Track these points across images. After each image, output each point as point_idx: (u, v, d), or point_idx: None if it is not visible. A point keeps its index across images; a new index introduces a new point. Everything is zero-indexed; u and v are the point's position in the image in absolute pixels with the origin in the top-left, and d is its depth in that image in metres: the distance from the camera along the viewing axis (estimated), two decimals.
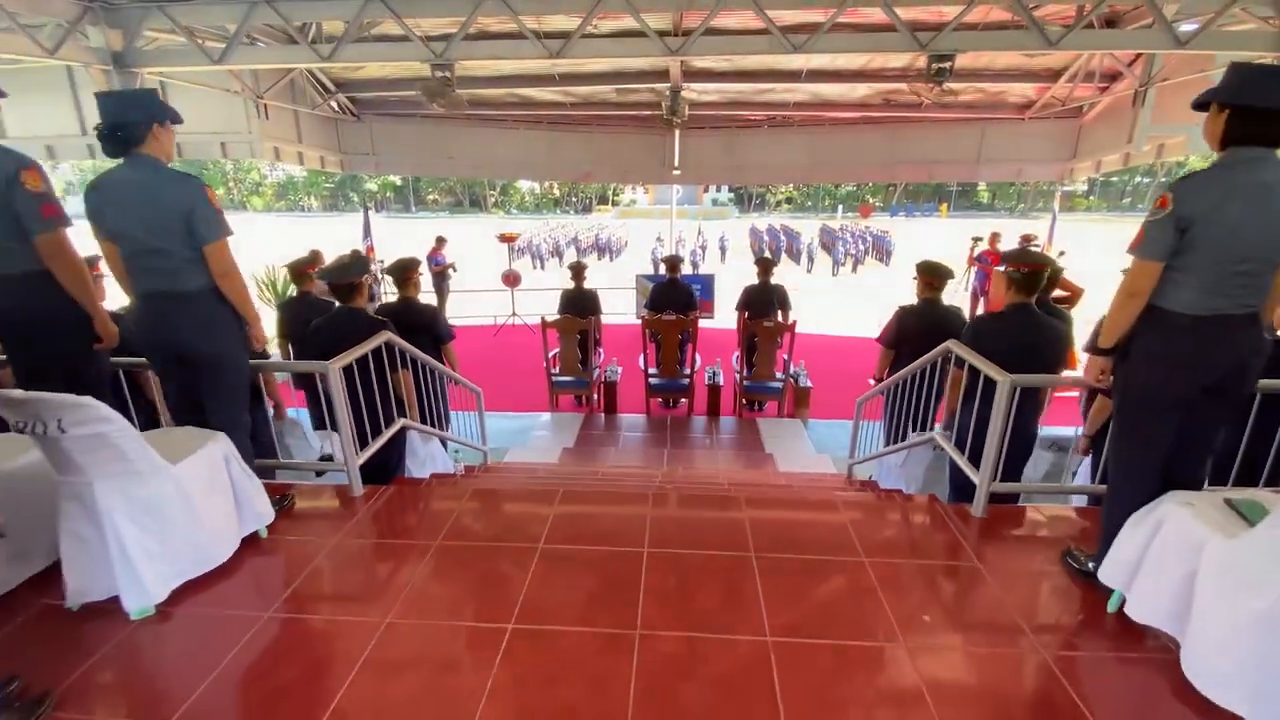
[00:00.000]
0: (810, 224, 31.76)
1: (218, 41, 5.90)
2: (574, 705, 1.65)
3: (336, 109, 9.23)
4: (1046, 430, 3.66)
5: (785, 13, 5.52)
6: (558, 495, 2.83)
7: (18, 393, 1.72)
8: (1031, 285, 2.82)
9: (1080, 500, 3.04)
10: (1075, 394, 4.09)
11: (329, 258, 4.45)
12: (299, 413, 4.07)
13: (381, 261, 7.82)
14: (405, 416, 3.27)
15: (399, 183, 54.51)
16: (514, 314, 10.54)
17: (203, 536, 2.11)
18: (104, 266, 2.44)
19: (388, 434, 3.01)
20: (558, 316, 6.09)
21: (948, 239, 19.64)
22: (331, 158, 9.53)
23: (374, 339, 2.88)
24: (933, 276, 3.78)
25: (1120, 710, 1.68)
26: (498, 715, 1.62)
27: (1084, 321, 3.07)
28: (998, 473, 2.56)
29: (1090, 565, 2.11)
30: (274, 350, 3.98)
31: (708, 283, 10.30)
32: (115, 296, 2.59)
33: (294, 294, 4.51)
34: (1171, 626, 1.84)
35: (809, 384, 6.39)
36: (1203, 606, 1.72)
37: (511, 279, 10.59)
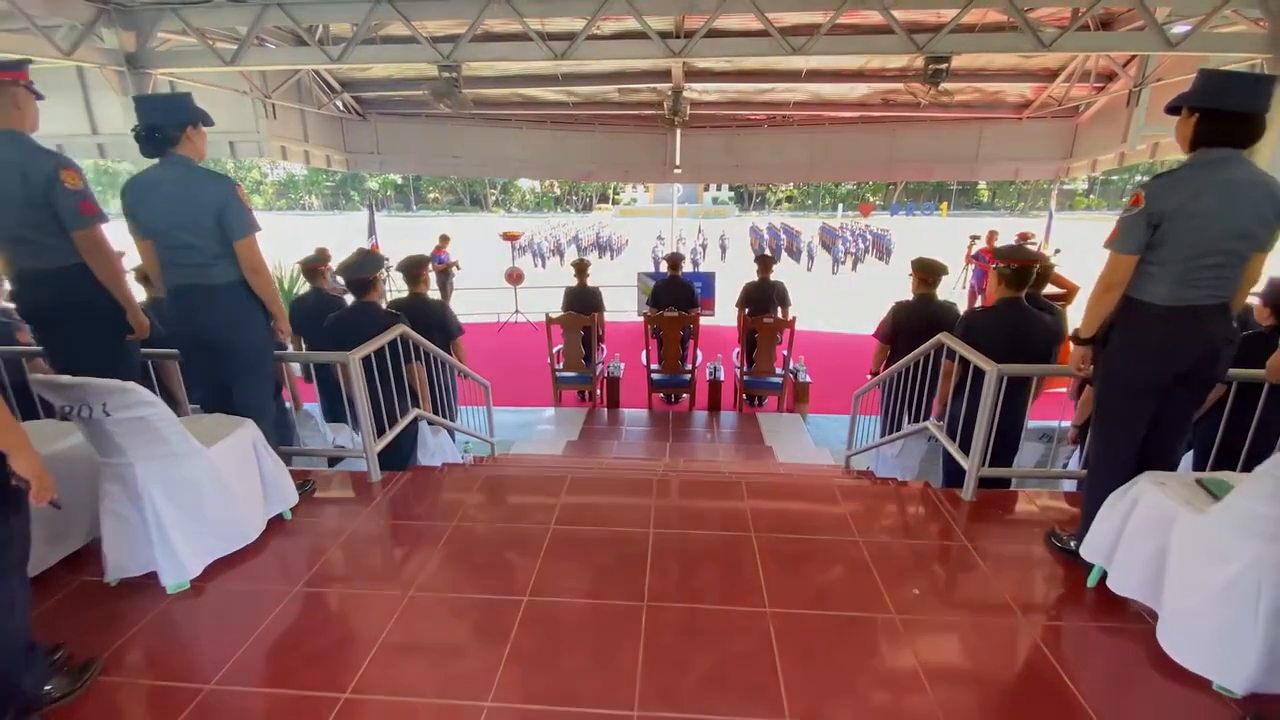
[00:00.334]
0: (811, 223, 31.86)
1: (228, 43, 6.02)
2: (586, 669, 1.77)
3: (342, 108, 9.36)
4: (1037, 423, 3.79)
5: (785, 15, 5.64)
6: (565, 482, 2.96)
7: (66, 378, 1.84)
8: (1021, 280, 2.94)
9: (1067, 487, 3.16)
10: (1065, 389, 4.21)
11: (334, 255, 4.59)
12: (311, 406, 4.19)
13: (387, 259, 7.94)
14: (418, 408, 3.39)
15: (399, 181, 54.61)
16: (517, 311, 10.66)
17: (234, 516, 2.24)
18: (126, 262, 2.55)
19: (403, 423, 3.13)
20: (561, 313, 6.21)
21: (947, 238, 19.75)
22: (337, 156, 9.65)
23: (391, 331, 3.00)
24: (927, 273, 3.89)
25: (1098, 676, 1.80)
26: (516, 677, 1.74)
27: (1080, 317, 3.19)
28: (986, 459, 2.69)
29: (1072, 544, 2.23)
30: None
31: (708, 280, 10.41)
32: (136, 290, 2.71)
33: (306, 289, 4.63)
34: (1148, 598, 1.96)
35: (808, 379, 6.50)
36: (1174, 578, 1.84)
37: (515, 276, 10.71)
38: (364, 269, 3.20)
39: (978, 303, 10.17)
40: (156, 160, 2.27)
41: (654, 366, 6.36)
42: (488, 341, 9.66)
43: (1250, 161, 1.81)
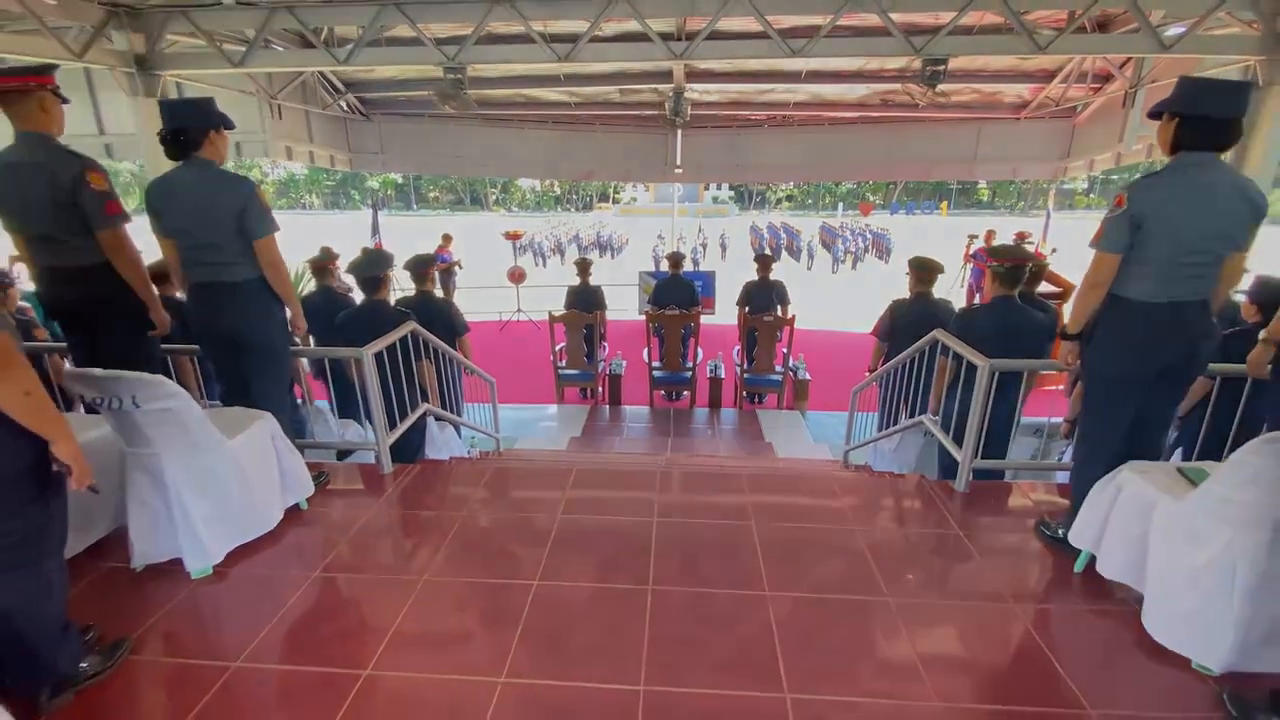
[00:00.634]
0: (811, 222, 31.94)
1: (235, 44, 6.10)
2: (595, 645, 1.86)
3: (346, 109, 9.43)
4: (1032, 419, 3.88)
5: (785, 17, 5.72)
6: (571, 475, 3.04)
7: (99, 371, 1.93)
8: (1013, 278, 3.03)
9: (1060, 479, 3.24)
10: (1061, 385, 4.31)
11: (336, 254, 4.68)
12: (320, 403, 4.28)
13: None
14: (427, 403, 3.48)
15: (400, 180, 54.70)
16: (519, 309, 10.74)
17: (253, 505, 2.33)
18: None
19: (413, 417, 3.22)
20: (564, 311, 6.29)
21: (947, 237, 19.84)
22: (341, 156, 9.73)
23: (402, 328, 3.09)
24: (923, 271, 3.98)
25: (1083, 655, 1.89)
26: (528, 656, 1.83)
27: None
28: (979, 451, 2.77)
29: (1060, 532, 2.32)
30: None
31: (708, 279, 10.50)
32: None
33: (314, 288, 4.71)
34: (1135, 581, 2.05)
35: (807, 377, 6.59)
36: (1155, 562, 1.93)
37: (517, 275, 10.80)
38: (375, 267, 3.29)
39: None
40: (179, 163, 2.36)
41: (655, 364, 6.45)
42: (490, 340, 9.74)
43: (1227, 164, 1.89)
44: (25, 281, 3.52)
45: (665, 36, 5.82)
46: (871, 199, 49.19)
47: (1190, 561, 1.80)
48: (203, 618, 2.05)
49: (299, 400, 3.62)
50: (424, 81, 8.48)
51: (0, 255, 4.83)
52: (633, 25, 5.65)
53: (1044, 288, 4.82)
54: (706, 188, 46.05)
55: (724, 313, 8.87)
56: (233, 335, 2.49)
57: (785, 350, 6.34)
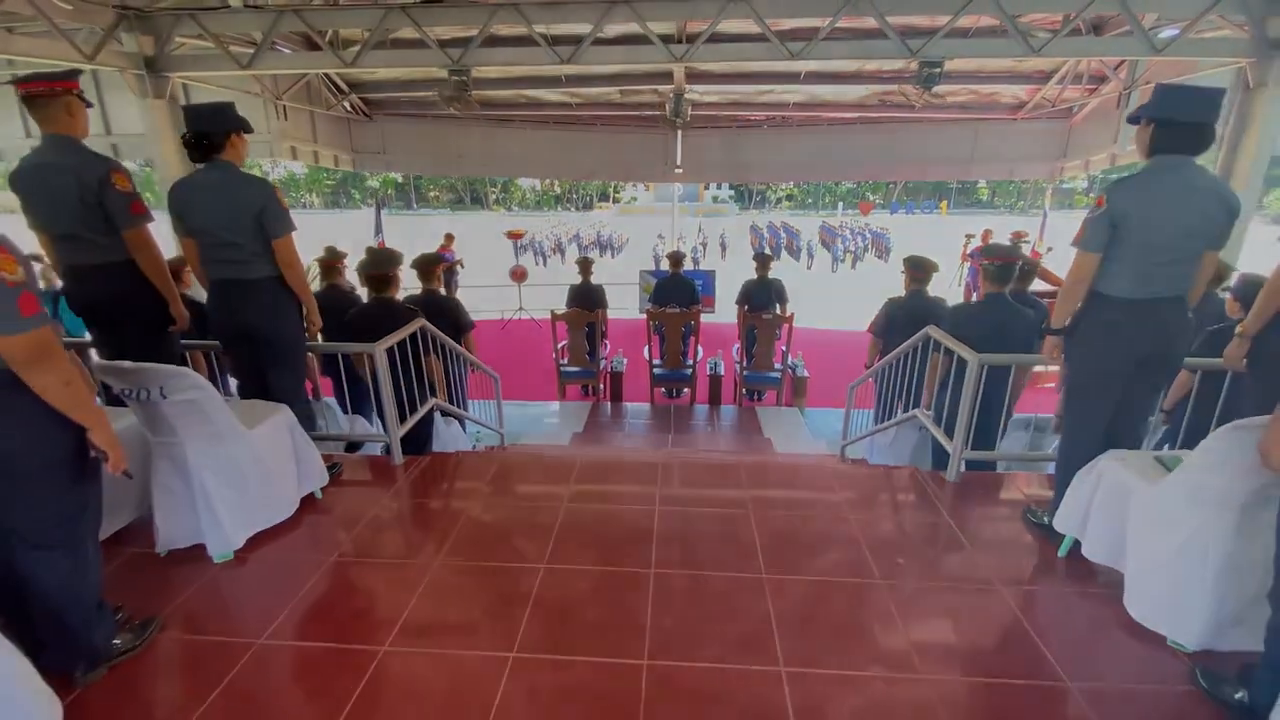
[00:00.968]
0: (811, 221, 32.03)
1: (242, 47, 6.19)
2: (601, 622, 1.96)
3: (349, 109, 9.53)
4: (1026, 416, 3.97)
5: (784, 20, 5.82)
6: (575, 467, 3.14)
7: (129, 364, 2.03)
8: (1004, 276, 3.13)
9: (1048, 470, 3.34)
10: (1053, 384, 4.40)
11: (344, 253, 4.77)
12: (328, 400, 4.37)
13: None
14: (435, 398, 3.58)
15: (400, 179, 54.80)
16: (520, 308, 10.84)
17: (272, 493, 2.43)
18: None
19: (423, 410, 3.32)
20: (566, 309, 6.39)
21: (946, 236, 19.95)
22: (344, 156, 9.83)
23: (412, 324, 3.19)
24: (919, 270, 4.08)
25: (1064, 634, 1.99)
26: (537, 632, 1.93)
27: None
28: (969, 442, 2.87)
29: (1046, 519, 2.42)
30: None
31: (708, 278, 10.59)
32: None
33: (321, 287, 4.80)
34: (1116, 563, 2.15)
35: (806, 374, 6.69)
36: (1133, 544, 2.03)
37: (519, 274, 10.89)
38: (385, 266, 3.39)
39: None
40: (201, 165, 2.46)
41: (656, 362, 6.55)
42: (493, 338, 9.84)
43: (1202, 167, 1.99)
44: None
45: (666, 39, 5.92)
46: (871, 198, 49.23)
47: (1165, 544, 1.90)
48: (226, 599, 2.15)
49: (309, 396, 3.72)
50: (426, 82, 8.58)
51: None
52: (634, 28, 5.75)
53: (1041, 286, 4.92)
54: (706, 187, 46.11)
55: (724, 311, 8.96)
56: (251, 331, 2.59)
57: (784, 348, 6.44)
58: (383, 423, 3.07)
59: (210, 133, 2.40)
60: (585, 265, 6.78)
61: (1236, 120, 5.70)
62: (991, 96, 9.09)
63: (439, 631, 1.96)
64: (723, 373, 6.67)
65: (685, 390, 6.77)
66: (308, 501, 2.65)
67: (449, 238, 11.21)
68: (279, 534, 2.45)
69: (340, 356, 3.24)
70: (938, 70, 5.61)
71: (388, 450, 3.16)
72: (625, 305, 10.55)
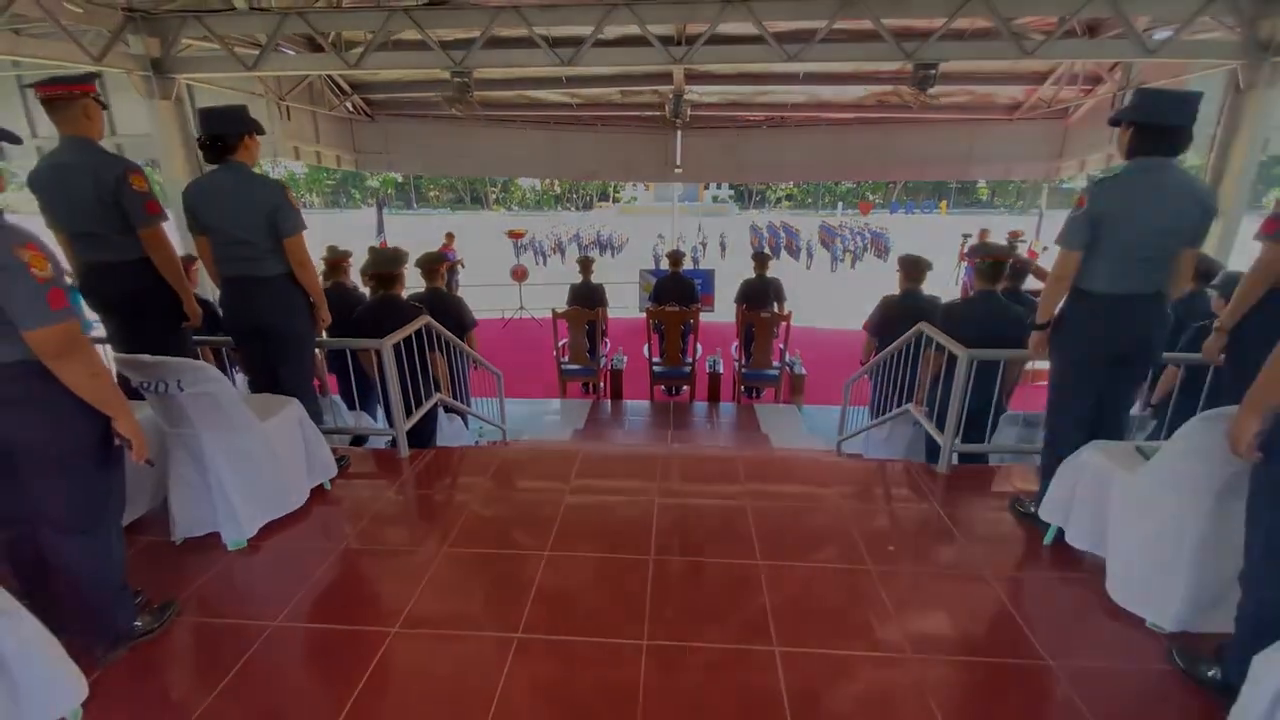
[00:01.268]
0: (810, 221, 32.11)
1: (247, 48, 6.27)
2: (602, 606, 2.05)
3: (351, 110, 9.61)
4: (1020, 413, 4.05)
5: (781, 22, 5.90)
6: (577, 460, 3.22)
7: (148, 357, 2.11)
8: (994, 274, 3.21)
9: (1038, 462, 3.41)
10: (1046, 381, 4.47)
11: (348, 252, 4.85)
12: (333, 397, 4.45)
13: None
14: (440, 393, 3.66)
15: (400, 179, 54.87)
16: (521, 307, 10.92)
17: (284, 483, 2.51)
18: None
19: (428, 404, 3.40)
20: (567, 308, 6.47)
21: (946, 236, 20.05)
22: (347, 157, 9.91)
23: (417, 321, 3.27)
24: (913, 269, 4.16)
25: (1048, 618, 2.06)
26: (542, 614, 2.01)
27: None
28: (959, 434, 2.95)
29: (1032, 508, 2.50)
30: None
31: (708, 277, 10.67)
32: None
33: (327, 285, 4.88)
34: (1099, 549, 2.23)
35: (804, 372, 6.77)
36: (1114, 531, 2.11)
37: (520, 273, 10.98)
38: (392, 264, 3.47)
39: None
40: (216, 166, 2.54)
41: (656, 360, 6.62)
42: (494, 336, 9.92)
43: (1179, 168, 2.07)
44: None
45: (665, 41, 6.00)
46: (871, 198, 49.29)
47: (1144, 529, 1.99)
48: (241, 584, 2.23)
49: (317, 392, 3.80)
50: (428, 83, 8.66)
51: None
52: (634, 29, 5.83)
53: (1036, 285, 4.99)
54: (706, 187, 46.19)
55: (724, 310, 9.04)
56: (263, 326, 2.67)
57: (782, 346, 6.52)
58: (389, 417, 3.15)
59: (225, 135, 2.48)
60: (586, 264, 6.86)
61: (1227, 121, 5.79)
62: (988, 97, 9.17)
63: (446, 614, 2.04)
64: (722, 370, 6.75)
65: (685, 388, 6.85)
66: (317, 492, 2.73)
67: (449, 237, 11.30)
68: (290, 523, 2.53)
69: (349, 354, 3.31)
70: (933, 72, 5.69)
71: (393, 444, 3.23)
72: (625, 304, 10.63)
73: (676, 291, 6.69)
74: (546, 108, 9.96)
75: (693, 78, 8.19)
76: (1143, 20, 5.76)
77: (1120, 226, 2.04)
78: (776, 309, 6.53)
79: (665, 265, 7.29)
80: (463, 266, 11.34)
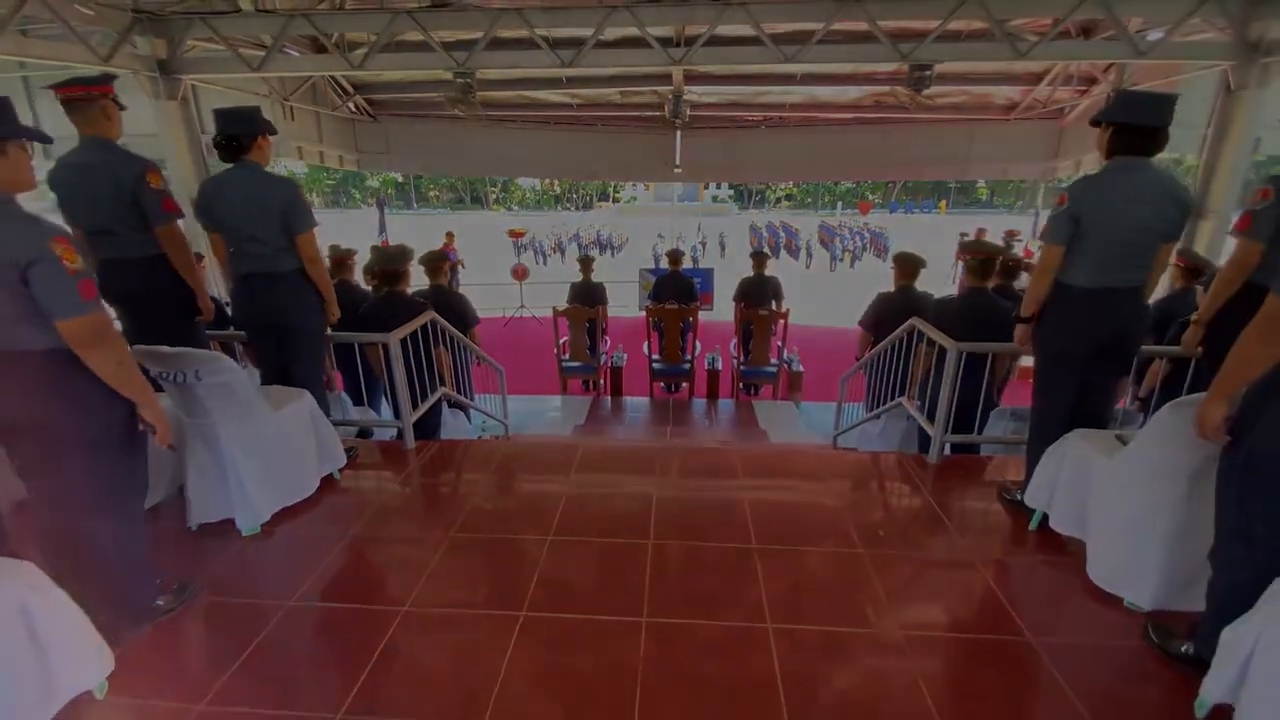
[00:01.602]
0: (810, 220, 32.19)
1: (252, 49, 6.36)
2: (603, 586, 2.14)
3: (354, 110, 9.70)
4: (1013, 408, 4.14)
5: (779, 24, 5.99)
6: (579, 453, 3.31)
7: (167, 349, 2.20)
8: (984, 271, 3.30)
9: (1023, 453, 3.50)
10: None
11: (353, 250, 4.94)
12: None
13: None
14: (444, 387, 3.75)
15: (400, 179, 54.92)
16: (522, 305, 11.00)
17: (296, 472, 2.60)
18: None
19: (434, 398, 3.48)
20: (568, 306, 6.56)
21: (945, 236, 20.15)
22: (349, 157, 10.00)
23: (423, 316, 3.36)
24: (907, 266, 4.25)
25: (1031, 598, 2.15)
26: (545, 594, 2.10)
27: None
28: (949, 426, 3.04)
29: (1018, 495, 2.59)
30: None
31: (707, 276, 10.75)
32: None
33: (333, 283, 4.96)
34: (1081, 533, 2.32)
35: (801, 369, 6.86)
36: (1094, 514, 2.20)
37: (521, 272, 11.06)
38: (398, 262, 3.56)
39: None
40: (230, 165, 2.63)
41: (655, 357, 6.71)
42: (495, 335, 9.99)
43: (1156, 167, 2.16)
44: None
45: (664, 42, 6.09)
46: (871, 198, 49.33)
47: (1121, 512, 2.07)
48: (256, 567, 2.32)
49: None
50: (430, 83, 8.75)
51: None
52: (633, 31, 5.92)
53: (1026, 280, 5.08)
54: (706, 187, 46.26)
55: (723, 310, 9.12)
56: (275, 320, 2.76)
57: (780, 343, 6.60)
58: (395, 409, 3.24)
59: (239, 134, 2.57)
60: (586, 263, 6.95)
61: (1219, 121, 5.88)
62: (985, 98, 9.26)
63: (454, 594, 2.13)
64: (720, 367, 6.83)
65: (684, 385, 6.94)
66: (327, 481, 2.82)
67: (449, 236, 11.38)
68: (301, 510, 2.62)
69: (357, 349, 3.40)
70: (928, 73, 5.78)
71: (399, 436, 3.32)
72: (625, 304, 10.71)
73: (676, 290, 6.79)
74: (547, 108, 10.05)
75: (692, 78, 8.28)
76: (1135, 22, 5.85)
77: (1100, 223, 2.13)
78: (774, 307, 6.62)
79: (665, 264, 7.38)
80: (463, 266, 11.42)
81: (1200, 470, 1.89)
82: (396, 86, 9.24)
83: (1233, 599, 1.63)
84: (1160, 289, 4.05)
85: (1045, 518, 2.44)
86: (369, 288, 4.30)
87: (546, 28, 6.01)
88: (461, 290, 11.44)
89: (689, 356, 6.71)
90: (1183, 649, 1.83)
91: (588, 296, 6.70)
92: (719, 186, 47.96)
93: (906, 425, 4.15)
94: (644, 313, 6.86)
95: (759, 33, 5.71)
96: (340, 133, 9.68)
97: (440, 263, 4.44)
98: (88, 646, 1.67)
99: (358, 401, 4.26)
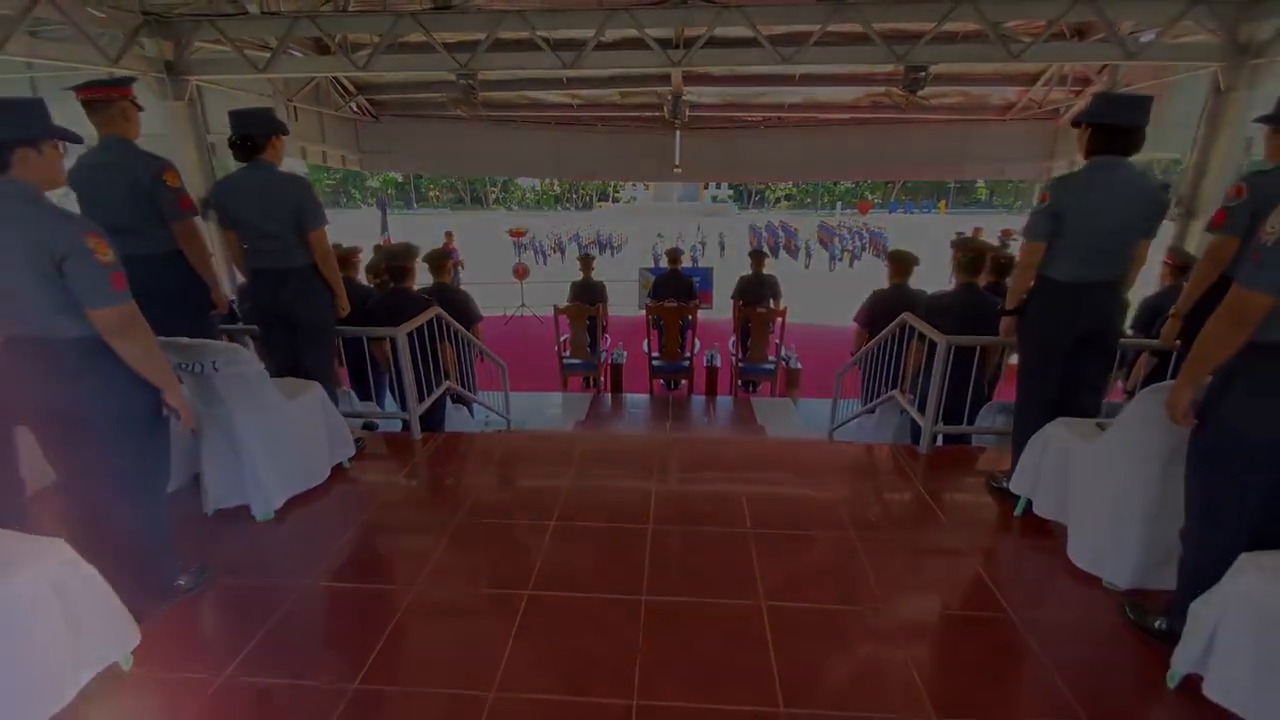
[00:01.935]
0: (809, 220, 32.27)
1: (257, 51, 6.45)
2: (605, 568, 2.23)
3: (356, 110, 9.79)
4: (996, 403, 4.24)
5: (776, 26, 6.08)
6: (581, 445, 3.41)
7: (186, 340, 2.29)
8: (974, 267, 3.40)
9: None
10: None
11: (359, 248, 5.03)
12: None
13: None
14: (449, 381, 3.84)
15: (400, 179, 55.01)
16: (523, 304, 11.09)
17: (308, 461, 2.69)
18: None
19: (439, 391, 3.58)
20: (568, 304, 6.65)
21: (944, 235, 20.25)
22: (351, 156, 10.10)
23: (428, 312, 3.46)
24: (901, 263, 4.35)
25: (1015, 579, 2.25)
26: (549, 574, 2.20)
27: None
28: (939, 417, 3.14)
29: (1005, 483, 2.69)
30: None
31: (706, 275, 10.82)
32: None
33: None
34: (1063, 517, 2.41)
35: (799, 366, 6.95)
36: (1074, 498, 2.29)
37: (521, 271, 11.16)
38: (404, 258, 3.66)
39: None
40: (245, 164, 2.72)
41: (655, 354, 6.80)
42: (496, 333, 10.08)
43: (1133, 166, 2.26)
44: None
45: (664, 43, 6.18)
46: (870, 198, 49.39)
47: (1100, 494, 2.17)
48: (270, 550, 2.41)
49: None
50: (432, 84, 8.84)
51: None
52: (633, 32, 6.02)
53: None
54: (705, 187, 46.35)
55: (722, 308, 9.21)
56: (287, 314, 2.85)
57: (778, 341, 6.70)
58: (402, 402, 3.33)
59: (254, 134, 2.66)
60: (586, 262, 7.05)
61: (1209, 121, 5.97)
62: (982, 98, 9.36)
63: (462, 575, 2.22)
64: (719, 365, 6.92)
65: (683, 382, 7.03)
66: (337, 470, 2.91)
67: (449, 236, 11.48)
68: (313, 498, 2.71)
69: (365, 343, 3.50)
70: (923, 75, 5.87)
71: (405, 428, 3.42)
72: (625, 303, 10.79)
73: (675, 288, 6.88)
74: (547, 108, 10.15)
75: (691, 79, 8.37)
76: (1127, 24, 5.94)
77: (1079, 220, 2.23)
78: (772, 305, 6.72)
79: (665, 263, 7.47)
80: (462, 266, 11.51)
81: (1174, 453, 1.97)
82: (398, 87, 9.33)
83: (1201, 575, 1.73)
84: (1150, 286, 4.15)
85: (1030, 503, 2.54)
86: (373, 286, 4.41)
87: (548, 29, 6.10)
88: (461, 288, 11.54)
89: (688, 354, 6.80)
90: (1157, 625, 1.93)
91: (588, 294, 6.80)
92: (718, 186, 48.04)
93: (900, 419, 4.24)
94: (644, 311, 6.95)
95: (756, 34, 5.80)
96: (342, 133, 9.78)
97: (444, 260, 4.53)
98: (116, 621, 1.76)
99: (364, 397, 4.36)
